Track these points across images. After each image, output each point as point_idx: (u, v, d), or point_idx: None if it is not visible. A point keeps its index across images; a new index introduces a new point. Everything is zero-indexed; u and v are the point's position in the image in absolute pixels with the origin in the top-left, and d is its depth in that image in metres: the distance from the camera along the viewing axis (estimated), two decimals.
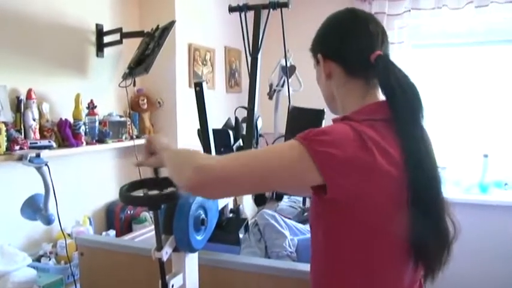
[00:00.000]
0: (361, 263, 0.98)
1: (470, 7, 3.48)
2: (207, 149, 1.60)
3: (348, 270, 0.99)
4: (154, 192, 1.18)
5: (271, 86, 3.63)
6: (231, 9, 1.99)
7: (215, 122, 1.63)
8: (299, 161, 0.91)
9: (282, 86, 3.71)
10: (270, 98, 3.62)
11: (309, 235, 2.40)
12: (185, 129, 3.04)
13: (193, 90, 3.09)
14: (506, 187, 3.74)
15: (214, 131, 1.59)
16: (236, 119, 1.93)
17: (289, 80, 3.64)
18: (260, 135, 1.80)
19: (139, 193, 1.21)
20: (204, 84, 1.53)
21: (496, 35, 3.67)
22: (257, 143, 1.75)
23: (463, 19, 3.60)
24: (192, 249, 1.29)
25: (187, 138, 3.04)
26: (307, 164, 0.90)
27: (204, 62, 3.29)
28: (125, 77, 2.52)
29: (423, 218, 0.92)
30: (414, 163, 0.94)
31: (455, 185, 3.69)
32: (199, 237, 1.31)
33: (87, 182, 2.54)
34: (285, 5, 1.91)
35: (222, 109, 3.34)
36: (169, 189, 1.21)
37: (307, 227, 2.42)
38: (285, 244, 2.15)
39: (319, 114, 1.98)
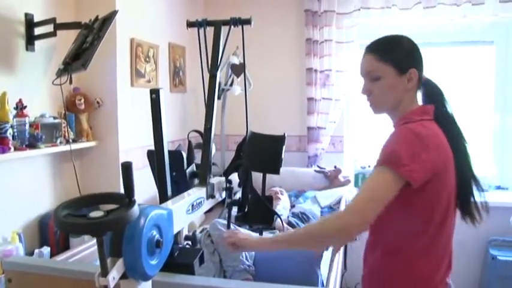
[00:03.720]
0: (434, 218, 1.39)
1: (419, 8, 3.49)
2: (160, 171, 1.41)
3: (428, 228, 1.40)
4: (97, 213, 0.96)
5: (219, 85, 3.45)
6: (189, 25, 1.83)
7: None
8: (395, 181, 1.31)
9: (231, 85, 3.56)
10: (218, 97, 3.44)
11: None
12: (127, 132, 2.81)
13: (136, 89, 2.93)
14: None
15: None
16: (189, 142, 1.79)
17: (238, 79, 3.50)
18: (213, 164, 1.67)
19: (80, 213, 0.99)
20: (162, 92, 1.34)
21: (443, 36, 3.71)
22: (210, 171, 1.62)
23: (411, 19, 3.59)
24: (145, 276, 1.09)
25: (129, 143, 2.81)
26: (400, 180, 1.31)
27: (147, 59, 3.06)
28: (60, 73, 2.25)
29: (465, 181, 1.47)
30: (459, 147, 1.44)
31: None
32: (153, 262, 1.12)
33: (16, 192, 2.26)
34: (248, 22, 1.78)
35: (166, 110, 3.12)
36: (114, 209, 1.00)
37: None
38: (241, 257, 1.99)
39: (279, 140, 1.89)
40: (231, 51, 3.41)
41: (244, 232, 1.50)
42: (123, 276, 1.05)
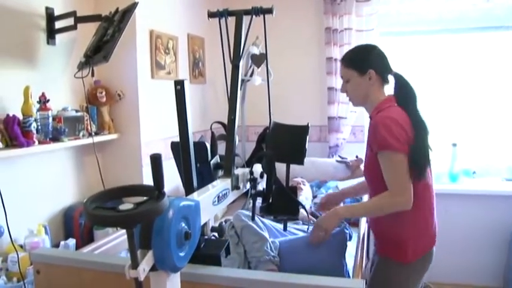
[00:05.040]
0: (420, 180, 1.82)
1: None
2: (185, 163, 1.39)
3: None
4: (127, 206, 0.95)
5: None
6: (210, 15, 1.80)
7: None
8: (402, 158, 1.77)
9: (251, 75, 3.54)
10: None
11: (290, 236, 2.25)
12: (148, 124, 2.81)
13: (156, 81, 2.93)
14: (475, 175, 3.73)
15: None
16: (212, 133, 1.78)
17: (258, 70, 3.48)
18: (236, 155, 1.65)
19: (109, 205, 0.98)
20: (186, 83, 1.32)
21: (465, 22, 3.62)
22: (234, 162, 1.61)
23: (432, 6, 3.52)
24: (175, 268, 1.09)
25: (150, 135, 2.81)
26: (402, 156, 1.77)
27: (167, 51, 3.06)
28: (81, 66, 2.25)
29: (423, 150, 1.82)
30: (419, 127, 1.82)
31: None
32: (182, 254, 1.11)
33: (41, 185, 2.29)
34: (269, 11, 1.75)
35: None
36: (144, 201, 0.99)
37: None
38: (266, 248, 1.97)
39: (302, 130, 1.86)
40: (251, 41, 3.38)
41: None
42: (153, 268, 1.05)
